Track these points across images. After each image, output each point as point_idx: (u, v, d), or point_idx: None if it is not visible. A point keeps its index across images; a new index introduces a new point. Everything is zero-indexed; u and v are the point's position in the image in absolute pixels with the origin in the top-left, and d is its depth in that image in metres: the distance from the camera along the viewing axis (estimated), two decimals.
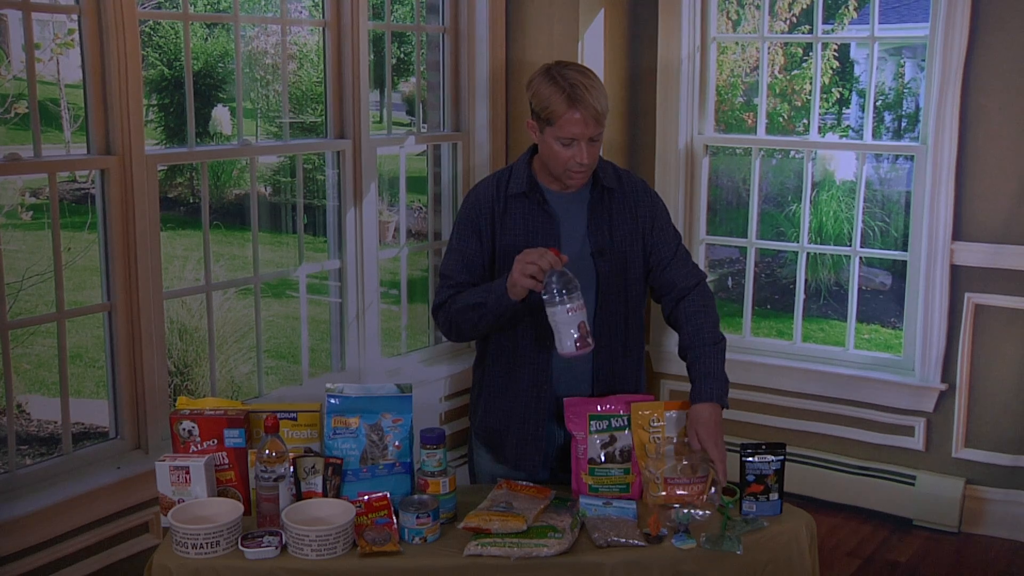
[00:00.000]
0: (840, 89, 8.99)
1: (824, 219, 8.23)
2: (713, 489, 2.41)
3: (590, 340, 2.33)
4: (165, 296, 3.26)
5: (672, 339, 4.50)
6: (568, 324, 2.30)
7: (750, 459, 2.38)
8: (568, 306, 2.30)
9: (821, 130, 7.47)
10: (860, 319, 6.07)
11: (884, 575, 3.78)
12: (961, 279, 3.98)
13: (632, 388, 2.66)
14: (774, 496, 2.40)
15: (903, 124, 9.32)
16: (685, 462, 2.42)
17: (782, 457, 2.40)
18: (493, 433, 2.69)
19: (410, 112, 8.19)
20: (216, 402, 2.48)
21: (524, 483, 2.49)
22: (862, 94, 9.01)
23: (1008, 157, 3.84)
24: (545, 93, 2.46)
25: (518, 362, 2.61)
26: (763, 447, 2.40)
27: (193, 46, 8.25)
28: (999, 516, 4.01)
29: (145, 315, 3.13)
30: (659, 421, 2.45)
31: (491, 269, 2.61)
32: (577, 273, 2.51)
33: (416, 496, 2.31)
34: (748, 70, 8.26)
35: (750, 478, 2.39)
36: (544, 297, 2.32)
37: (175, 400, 3.03)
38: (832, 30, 7.99)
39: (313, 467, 2.35)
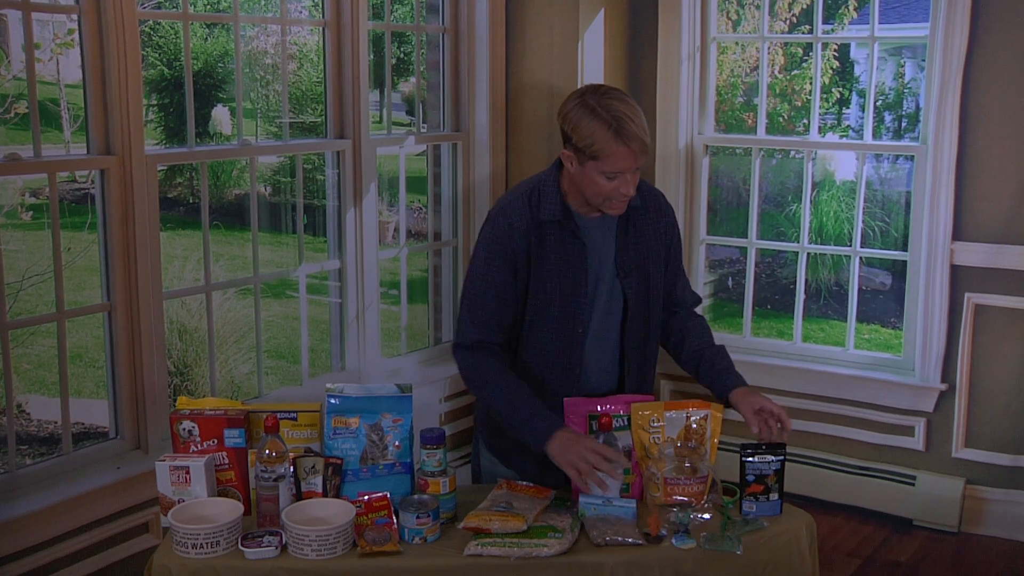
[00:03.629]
0: (840, 89, 8.99)
1: (824, 219, 8.24)
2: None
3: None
4: (165, 296, 3.26)
5: None
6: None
7: (750, 459, 2.38)
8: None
9: (821, 130, 7.47)
10: (860, 319, 6.07)
11: (884, 575, 3.78)
12: (961, 279, 3.97)
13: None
14: (774, 496, 2.40)
15: (903, 124, 9.32)
16: (687, 463, 2.42)
17: (782, 457, 2.40)
18: (513, 446, 2.58)
19: (410, 112, 8.20)
20: (216, 402, 2.48)
21: (524, 483, 2.49)
22: (862, 94, 9.01)
23: (1008, 157, 3.84)
24: (587, 128, 2.36)
25: (546, 387, 2.56)
26: (763, 447, 2.40)
27: (193, 46, 8.26)
28: (999, 516, 4.01)
29: (145, 315, 3.13)
30: (659, 421, 2.45)
31: (524, 299, 2.53)
32: (607, 295, 2.55)
33: (416, 496, 2.31)
34: (748, 70, 8.27)
35: (750, 478, 2.38)
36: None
37: (175, 400, 3.03)
38: (832, 30, 7.99)
39: (313, 467, 2.35)
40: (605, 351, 2.61)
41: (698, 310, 2.83)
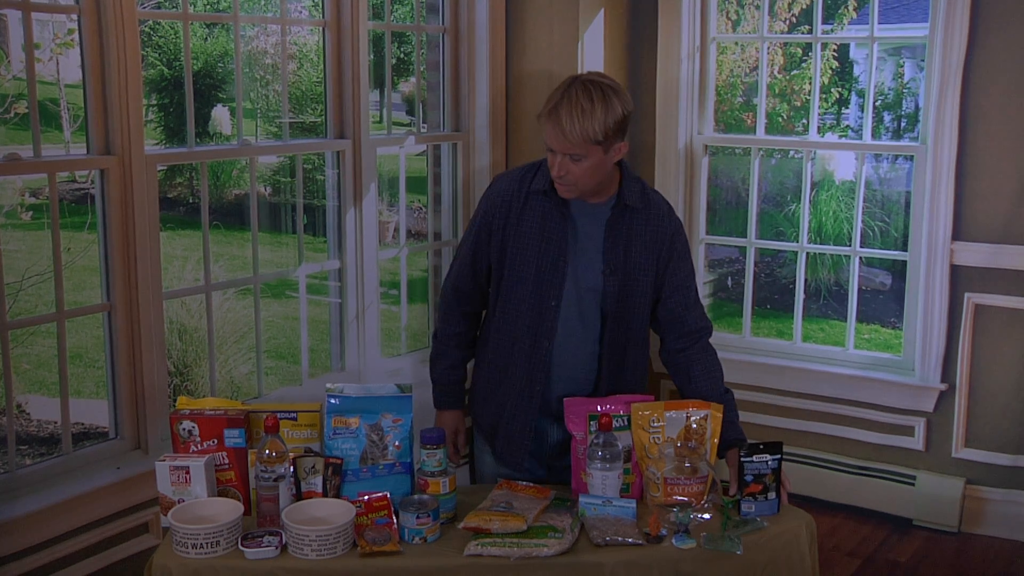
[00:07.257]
0: (839, 89, 8.99)
1: (824, 219, 8.24)
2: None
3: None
4: (165, 296, 3.25)
5: None
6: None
7: (748, 459, 2.38)
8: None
9: (820, 130, 7.46)
10: (860, 319, 6.06)
11: (884, 575, 3.78)
12: (961, 279, 3.97)
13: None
14: (772, 496, 2.40)
15: (903, 124, 9.32)
16: (687, 463, 2.42)
17: (779, 456, 2.40)
18: (488, 426, 2.72)
19: (410, 112, 8.18)
20: (216, 402, 2.49)
21: (524, 483, 2.50)
22: (861, 94, 9.01)
23: (1008, 157, 3.84)
24: (546, 99, 2.50)
25: (515, 358, 2.62)
26: (761, 447, 2.40)
27: (193, 46, 8.25)
28: (999, 516, 4.01)
29: (145, 315, 3.12)
30: (659, 421, 2.45)
31: (502, 262, 2.60)
32: (586, 286, 2.56)
33: (416, 496, 2.31)
34: (748, 70, 8.26)
35: (748, 478, 2.39)
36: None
37: (175, 400, 3.03)
38: (832, 30, 7.99)
39: (313, 467, 2.35)
40: (579, 342, 2.61)
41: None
